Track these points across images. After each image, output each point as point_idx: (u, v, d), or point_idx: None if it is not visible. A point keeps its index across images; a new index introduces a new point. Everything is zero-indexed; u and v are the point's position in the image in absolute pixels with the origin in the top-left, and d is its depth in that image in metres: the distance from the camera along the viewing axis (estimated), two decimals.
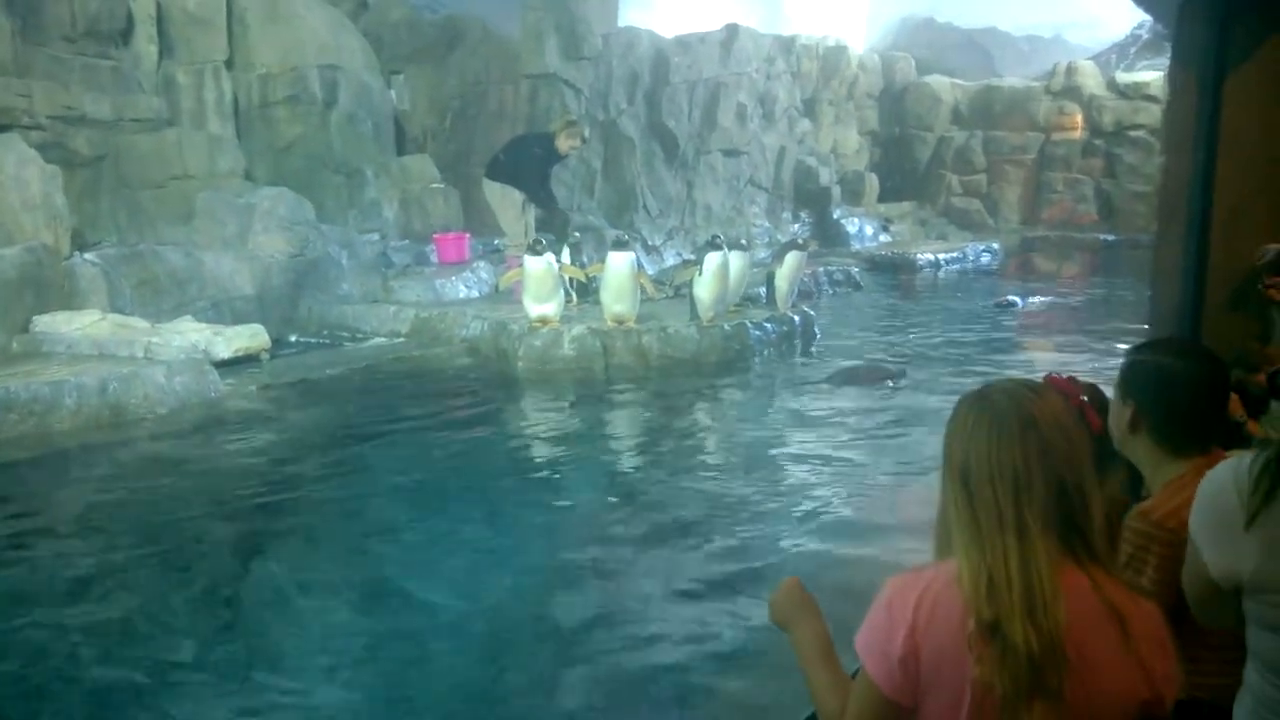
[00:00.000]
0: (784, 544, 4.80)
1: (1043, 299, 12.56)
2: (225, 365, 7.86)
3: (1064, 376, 1.73)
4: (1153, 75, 17.14)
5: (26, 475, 5.93)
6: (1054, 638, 1.48)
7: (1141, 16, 17.34)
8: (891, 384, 8.01)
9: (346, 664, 3.73)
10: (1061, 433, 1.58)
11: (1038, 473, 1.55)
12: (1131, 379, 2.24)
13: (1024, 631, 1.48)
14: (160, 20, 10.73)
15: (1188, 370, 2.19)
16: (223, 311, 9.16)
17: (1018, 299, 11.79)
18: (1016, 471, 1.55)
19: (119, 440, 6.49)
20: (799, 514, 5.21)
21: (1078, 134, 17.80)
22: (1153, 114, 16.76)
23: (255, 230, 9.87)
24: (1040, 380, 1.73)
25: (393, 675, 3.64)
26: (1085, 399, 1.90)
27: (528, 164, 10.12)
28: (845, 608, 4.04)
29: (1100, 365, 7.69)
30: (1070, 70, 17.95)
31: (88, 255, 8.67)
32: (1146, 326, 8.60)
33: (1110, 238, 16.85)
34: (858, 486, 5.63)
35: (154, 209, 10.10)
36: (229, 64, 11.20)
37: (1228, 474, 1.81)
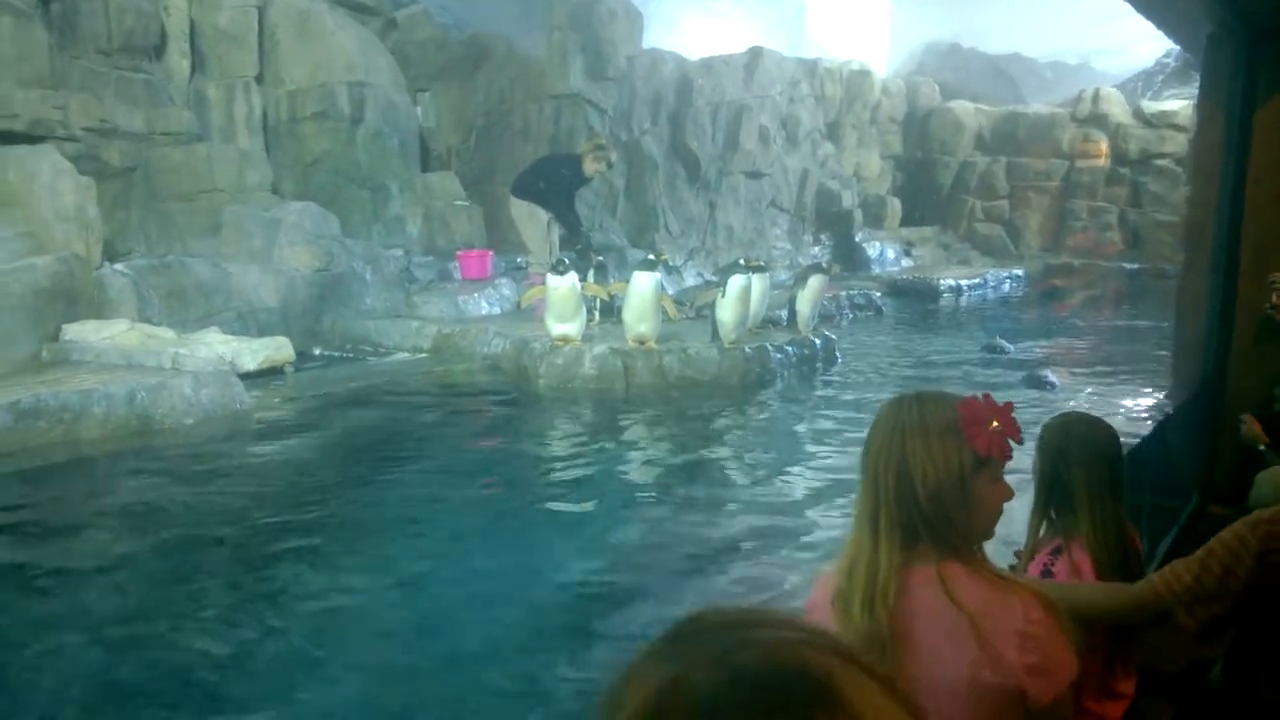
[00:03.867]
0: (803, 568, 4.79)
1: (1040, 343, 11.52)
2: (249, 377, 7.92)
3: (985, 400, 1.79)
4: (1180, 104, 17.12)
5: (54, 482, 5.98)
6: (884, 621, 1.66)
7: (1169, 45, 17.35)
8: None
9: (353, 681, 3.74)
10: (937, 447, 1.70)
11: (906, 479, 1.69)
12: None
13: (861, 611, 1.68)
14: (193, 36, 10.89)
15: None
16: (248, 323, 9.25)
17: (1008, 345, 10.92)
18: (884, 474, 1.71)
19: (145, 449, 6.54)
20: (818, 537, 5.20)
21: (1102, 162, 17.78)
22: (1179, 143, 16.74)
23: (281, 244, 9.96)
24: (959, 397, 1.79)
25: (405, 688, 3.66)
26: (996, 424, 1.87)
27: (555, 184, 10.19)
28: None
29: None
30: (1096, 97, 17.95)
31: (117, 266, 8.77)
32: (1170, 356, 8.59)
33: (1134, 267, 16.80)
34: None
35: (183, 221, 10.21)
36: (259, 79, 11.35)
37: None
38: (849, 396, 8.57)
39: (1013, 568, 2.42)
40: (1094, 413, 2.69)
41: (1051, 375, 9.07)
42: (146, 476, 6.10)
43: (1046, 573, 2.37)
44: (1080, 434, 2.44)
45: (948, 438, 1.70)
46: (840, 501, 5.74)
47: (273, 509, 5.57)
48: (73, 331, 7.95)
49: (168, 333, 8.28)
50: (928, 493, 1.68)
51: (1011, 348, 10.90)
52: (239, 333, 8.84)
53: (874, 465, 1.73)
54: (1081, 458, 2.40)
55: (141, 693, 3.62)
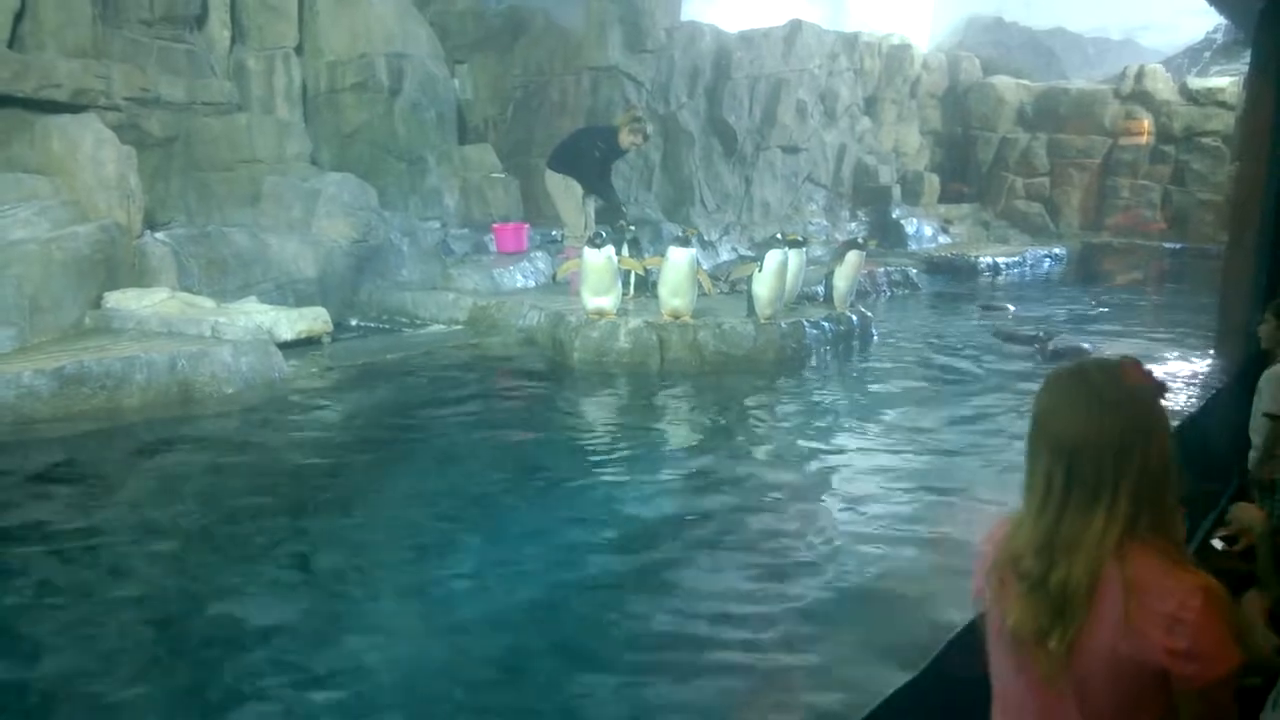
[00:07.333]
0: (835, 546, 4.79)
1: (1064, 338, 9.67)
2: (287, 347, 7.99)
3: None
4: (1226, 81, 16.81)
5: (97, 447, 6.07)
6: (1088, 591, 1.68)
7: (1217, 20, 17.03)
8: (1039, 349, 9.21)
9: (380, 646, 3.79)
10: (1157, 409, 1.74)
11: (1138, 444, 1.69)
12: None
13: (1065, 583, 1.69)
14: (233, 6, 10.92)
15: None
16: (285, 294, 9.32)
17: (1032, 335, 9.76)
18: (1122, 442, 1.69)
19: (186, 416, 6.63)
20: (850, 517, 5.19)
21: (1145, 139, 17.49)
22: (1225, 120, 16.46)
23: (319, 214, 10.02)
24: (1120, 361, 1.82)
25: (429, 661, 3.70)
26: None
27: (590, 157, 10.17)
28: (900, 606, 4.03)
29: None
30: (1140, 74, 17.64)
31: (158, 235, 8.85)
32: (1213, 336, 8.49)
33: (1176, 246, 16.57)
34: (914, 488, 5.60)
35: (222, 191, 10.28)
36: (299, 50, 11.37)
37: None
38: (885, 374, 8.54)
39: None
40: None
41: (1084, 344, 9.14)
42: (187, 443, 6.18)
43: None
44: None
45: (1158, 409, 1.74)
46: (871, 478, 5.74)
47: (308, 476, 5.65)
48: (114, 299, 8.04)
49: (207, 302, 8.37)
50: (1164, 459, 1.71)
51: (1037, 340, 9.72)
52: (277, 303, 8.91)
53: (1113, 432, 1.69)
54: None
55: (174, 651, 3.69)
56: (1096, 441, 1.69)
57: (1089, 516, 1.69)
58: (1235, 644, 1.67)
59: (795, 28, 15.31)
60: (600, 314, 8.45)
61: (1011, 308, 11.95)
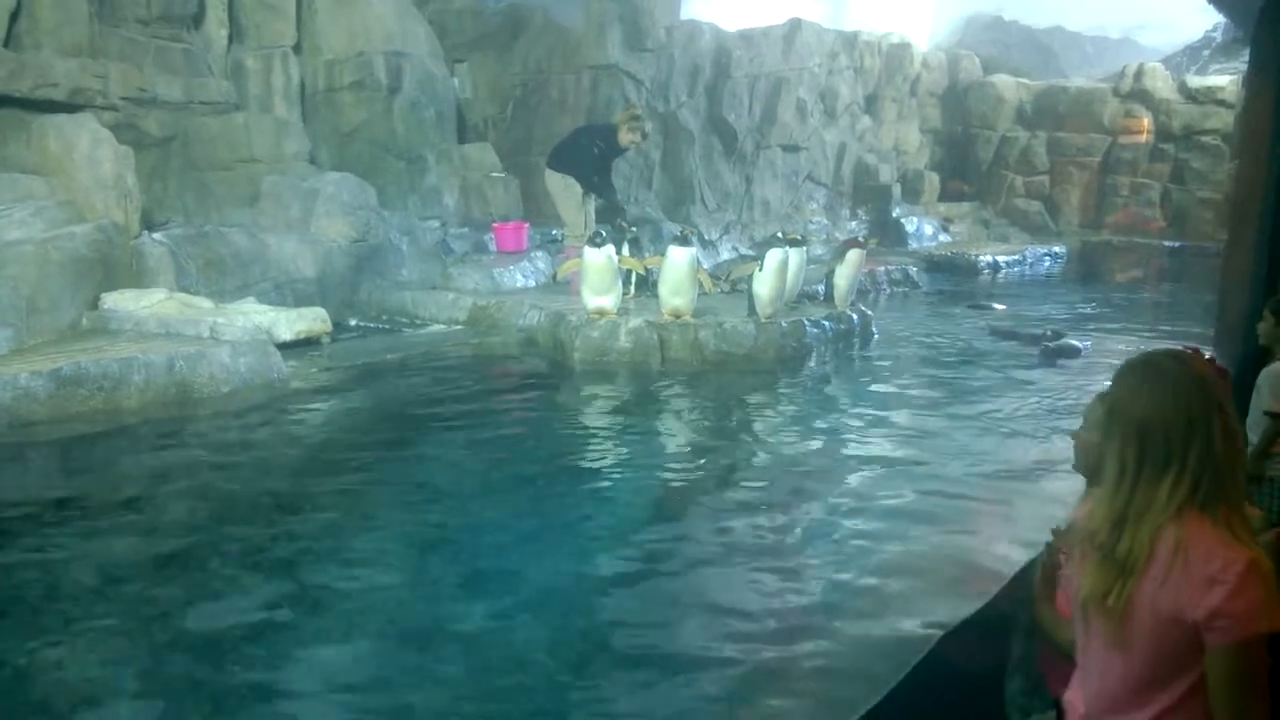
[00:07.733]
0: (836, 543, 4.77)
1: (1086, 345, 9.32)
2: (286, 347, 7.96)
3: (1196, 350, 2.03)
4: (1225, 79, 16.80)
5: (94, 449, 6.05)
6: (1148, 554, 1.84)
7: (1216, 18, 17.01)
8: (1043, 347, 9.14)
9: (376, 644, 3.77)
10: (1219, 392, 1.88)
11: (1202, 423, 1.84)
12: None
13: (1130, 547, 1.85)
14: (231, 5, 10.90)
15: None
16: (284, 294, 9.29)
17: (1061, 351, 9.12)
18: (1188, 421, 1.84)
19: (184, 417, 6.60)
20: (850, 513, 5.17)
21: (1145, 138, 17.47)
22: (1224, 119, 16.43)
23: (318, 214, 9.99)
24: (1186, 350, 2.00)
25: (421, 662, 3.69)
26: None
27: (590, 155, 10.15)
28: (900, 601, 4.02)
29: None
30: (1139, 72, 17.62)
31: (156, 235, 8.82)
32: (1212, 334, 8.47)
33: (1175, 244, 16.55)
34: (915, 483, 5.58)
35: (220, 191, 10.26)
36: (297, 49, 11.36)
37: None
38: (885, 372, 8.53)
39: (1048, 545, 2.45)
40: None
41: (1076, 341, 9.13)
42: (185, 444, 6.16)
43: None
44: None
45: (1220, 391, 1.88)
46: (872, 475, 5.72)
47: (306, 477, 5.63)
48: (111, 300, 8.01)
49: (205, 302, 8.34)
50: (1223, 441, 1.85)
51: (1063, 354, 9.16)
52: (276, 303, 8.89)
53: (1183, 415, 1.85)
54: None
55: (169, 653, 3.67)
56: (1165, 421, 1.85)
57: (1156, 488, 1.86)
58: (1272, 612, 1.76)
59: (795, 26, 15.30)
60: (601, 313, 8.43)
61: (1000, 306, 11.92)
